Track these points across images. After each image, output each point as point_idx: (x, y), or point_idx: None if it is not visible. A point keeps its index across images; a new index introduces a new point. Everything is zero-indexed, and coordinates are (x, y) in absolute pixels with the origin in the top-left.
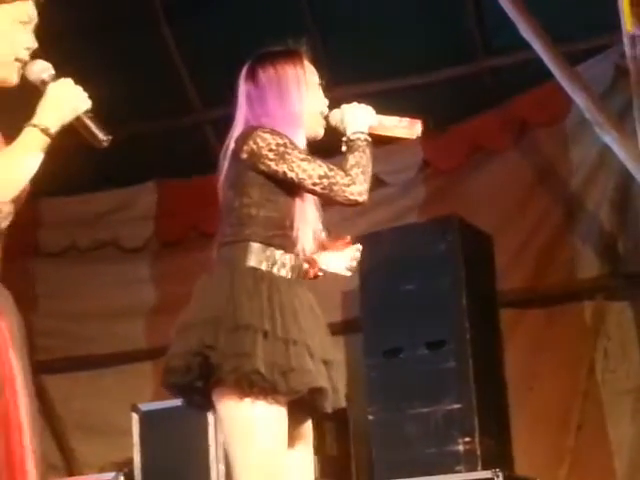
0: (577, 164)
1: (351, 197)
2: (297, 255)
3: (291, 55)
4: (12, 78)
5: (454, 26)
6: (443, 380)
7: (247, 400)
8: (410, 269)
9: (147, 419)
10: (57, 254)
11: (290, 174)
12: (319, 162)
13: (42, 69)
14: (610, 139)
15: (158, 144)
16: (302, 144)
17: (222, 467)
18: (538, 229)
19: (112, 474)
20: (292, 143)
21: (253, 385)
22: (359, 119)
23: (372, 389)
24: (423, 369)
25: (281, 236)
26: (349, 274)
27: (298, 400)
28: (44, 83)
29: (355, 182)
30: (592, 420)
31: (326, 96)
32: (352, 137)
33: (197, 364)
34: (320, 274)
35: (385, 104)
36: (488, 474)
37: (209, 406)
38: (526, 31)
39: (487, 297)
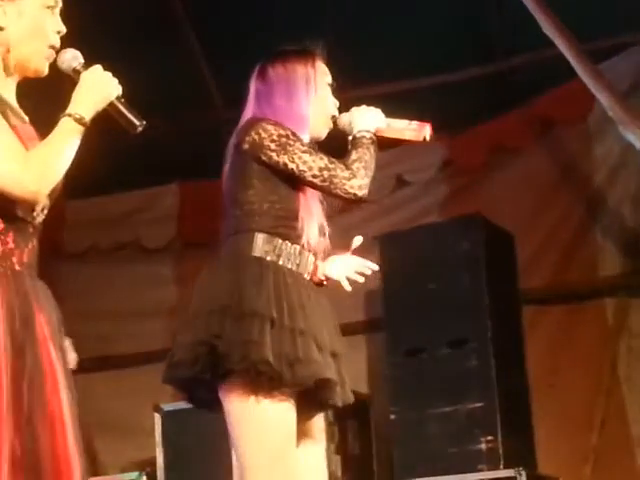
0: (600, 162)
1: (351, 190)
2: (303, 247)
3: (304, 55)
4: (44, 67)
5: (476, 25)
6: (465, 379)
7: (256, 397)
8: (432, 268)
9: (169, 419)
10: (79, 255)
11: (291, 165)
12: (321, 155)
13: (72, 57)
14: (633, 137)
15: (180, 144)
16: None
17: None
18: (560, 227)
19: (135, 474)
20: (295, 135)
21: (261, 374)
22: (367, 121)
23: (394, 388)
24: (445, 368)
25: (286, 227)
26: (349, 288)
27: (306, 394)
28: (75, 72)
29: (356, 176)
30: (615, 418)
31: (342, 97)
32: (357, 135)
33: (205, 354)
34: (323, 280)
35: (406, 104)
36: (511, 473)
37: (215, 404)
38: (549, 29)
39: (509, 295)
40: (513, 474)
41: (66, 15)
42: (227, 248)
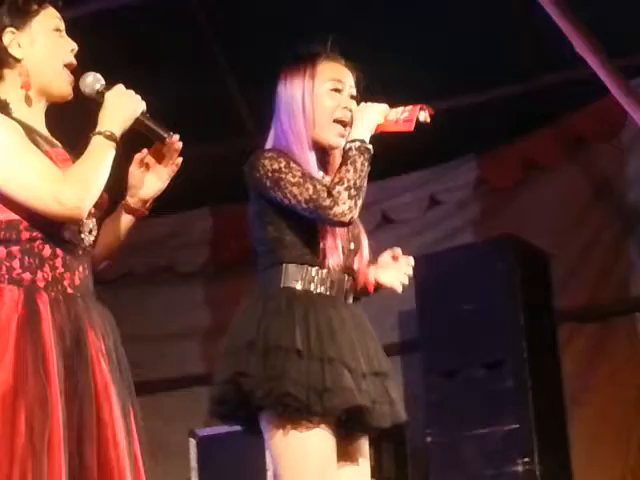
0: (633, 178)
1: (334, 219)
2: (333, 270)
3: (303, 62)
4: (66, 89)
5: (508, 44)
6: (501, 400)
7: (290, 429)
8: (468, 289)
9: (204, 444)
10: (116, 281)
11: (285, 201)
12: (309, 183)
13: (94, 80)
14: None
15: (211, 168)
16: (309, 161)
17: None
18: (594, 245)
19: None
20: (287, 166)
21: (287, 408)
22: (364, 123)
23: (430, 410)
24: (481, 389)
25: (312, 253)
26: (400, 290)
27: (347, 418)
28: (99, 93)
29: (337, 203)
30: None
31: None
32: (346, 147)
33: (232, 392)
34: (373, 285)
35: (439, 123)
36: None
37: (259, 432)
38: (581, 47)
39: (544, 315)
40: None
41: (96, 44)
42: (258, 284)
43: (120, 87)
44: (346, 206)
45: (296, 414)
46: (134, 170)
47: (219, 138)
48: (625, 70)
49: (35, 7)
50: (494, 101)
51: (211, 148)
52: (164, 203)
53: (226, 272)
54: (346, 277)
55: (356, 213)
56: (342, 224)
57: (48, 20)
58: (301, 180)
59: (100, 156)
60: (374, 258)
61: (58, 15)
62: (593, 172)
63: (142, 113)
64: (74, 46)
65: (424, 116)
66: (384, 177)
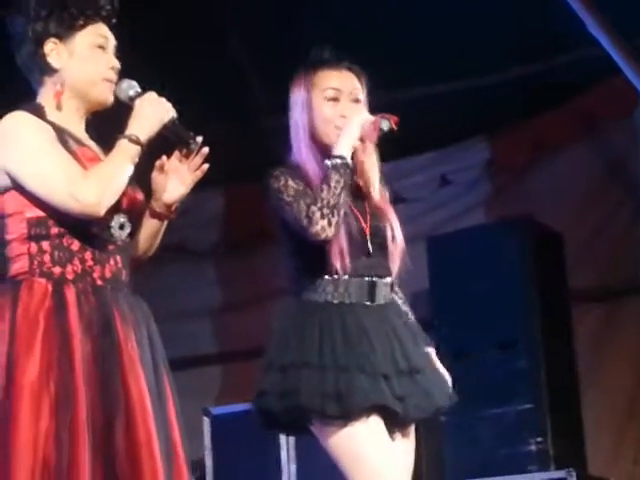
0: None
1: (312, 238)
2: (345, 275)
3: (303, 72)
4: (105, 98)
5: (520, 24)
6: (515, 380)
7: (331, 434)
8: (481, 269)
9: (218, 422)
10: None
11: (286, 219)
12: (296, 203)
13: (129, 87)
14: None
15: (225, 148)
16: (315, 169)
17: (293, 468)
18: (607, 224)
19: None
20: (285, 185)
21: (305, 418)
22: (345, 136)
23: None
24: (495, 370)
25: (323, 263)
26: None
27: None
28: (132, 99)
29: (311, 223)
30: None
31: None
32: (326, 163)
33: (257, 410)
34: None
35: (450, 105)
36: (562, 474)
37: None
38: (593, 26)
39: (558, 295)
40: (564, 475)
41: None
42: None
43: (151, 94)
44: (319, 226)
45: (317, 421)
46: (156, 176)
47: (232, 118)
48: (638, 49)
49: (81, 22)
50: (505, 81)
51: (225, 127)
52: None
53: (237, 251)
54: (368, 279)
55: (332, 231)
56: (319, 242)
57: (92, 36)
58: (292, 199)
59: (122, 158)
60: None
61: (105, 33)
62: (605, 151)
63: (170, 120)
64: (115, 64)
65: (387, 125)
66: (396, 158)
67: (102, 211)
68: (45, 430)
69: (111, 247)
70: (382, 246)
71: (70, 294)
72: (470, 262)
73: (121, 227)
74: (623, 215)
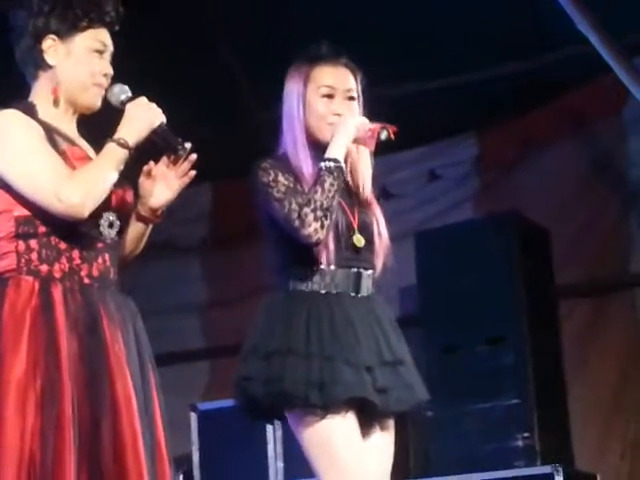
0: (634, 155)
1: (302, 241)
2: (331, 267)
3: (300, 67)
4: (94, 102)
5: (510, 22)
6: (502, 375)
7: (306, 423)
8: (468, 265)
9: (205, 418)
10: None
11: (272, 212)
12: (286, 201)
13: (120, 92)
14: None
15: (213, 145)
16: (306, 163)
17: (280, 464)
18: (595, 220)
19: None
20: (275, 179)
21: (288, 404)
22: (339, 139)
23: (431, 385)
24: (482, 365)
25: (311, 255)
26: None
27: (363, 406)
28: (123, 104)
29: (304, 225)
30: None
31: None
32: (319, 165)
33: (240, 395)
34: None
35: (439, 101)
36: (548, 469)
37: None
38: (582, 24)
39: (545, 291)
40: (550, 470)
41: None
42: (273, 287)
43: (142, 99)
44: (312, 228)
45: (301, 409)
46: (143, 181)
47: (219, 115)
48: (627, 48)
49: (84, 24)
50: (495, 78)
51: (213, 126)
52: None
53: (224, 247)
54: (354, 270)
55: (323, 233)
56: (310, 245)
57: (91, 40)
58: (283, 196)
59: (109, 161)
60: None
61: (105, 40)
62: (593, 148)
63: (159, 125)
64: (108, 71)
65: (385, 135)
66: (384, 153)
67: (86, 213)
68: (31, 427)
69: (100, 245)
70: (368, 241)
71: (57, 292)
72: (457, 257)
73: (110, 225)
74: (610, 211)
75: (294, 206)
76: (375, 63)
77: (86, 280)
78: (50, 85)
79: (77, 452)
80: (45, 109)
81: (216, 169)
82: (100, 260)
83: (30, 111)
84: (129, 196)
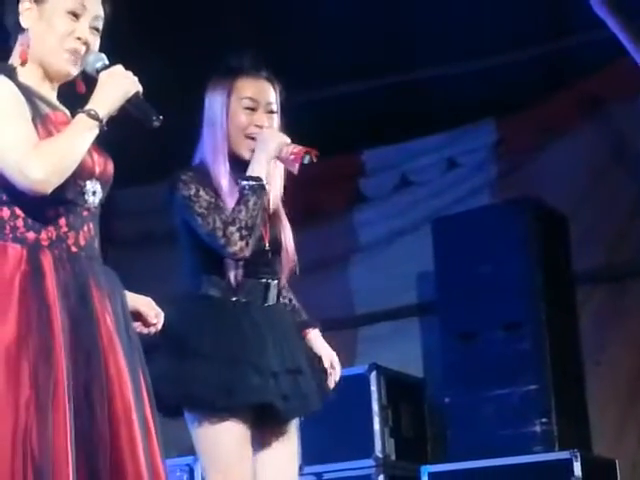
0: None
1: (229, 257)
2: (238, 278)
3: (225, 77)
4: (64, 68)
5: (526, 7)
6: (520, 361)
7: (205, 425)
8: (486, 251)
9: None
10: (134, 243)
11: (192, 224)
12: (210, 218)
13: (95, 60)
14: None
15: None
16: (224, 174)
17: None
18: (613, 206)
19: (190, 458)
20: (196, 194)
21: (194, 407)
22: (262, 154)
23: (448, 371)
24: (500, 351)
25: (227, 264)
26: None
27: (264, 411)
28: (98, 72)
29: (229, 243)
30: None
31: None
32: (241, 184)
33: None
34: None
35: (461, 87)
36: (566, 455)
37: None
38: (600, 8)
39: (563, 277)
40: (568, 456)
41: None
42: (181, 288)
43: (117, 67)
44: (237, 247)
45: (203, 412)
46: None
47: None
48: None
49: None
50: (513, 64)
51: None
52: (149, 170)
53: None
54: (263, 281)
55: (248, 250)
56: (236, 260)
57: (68, 1)
58: (205, 212)
59: (77, 133)
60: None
61: (85, 2)
62: (611, 134)
63: (135, 94)
64: (83, 35)
65: (308, 159)
66: (404, 140)
67: (49, 189)
68: (26, 399)
69: (85, 213)
70: (277, 253)
71: (46, 260)
72: (475, 243)
73: (94, 193)
74: (627, 197)
75: (218, 224)
76: (394, 49)
77: (73, 249)
78: (21, 48)
79: (73, 423)
80: (24, 71)
81: None
82: (86, 228)
83: (10, 73)
84: (110, 166)
